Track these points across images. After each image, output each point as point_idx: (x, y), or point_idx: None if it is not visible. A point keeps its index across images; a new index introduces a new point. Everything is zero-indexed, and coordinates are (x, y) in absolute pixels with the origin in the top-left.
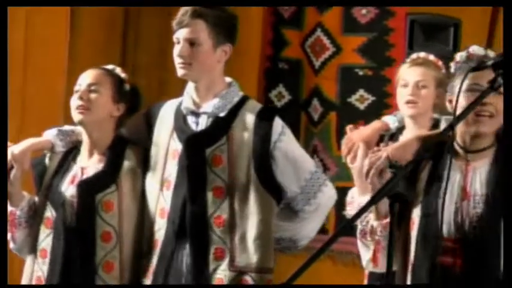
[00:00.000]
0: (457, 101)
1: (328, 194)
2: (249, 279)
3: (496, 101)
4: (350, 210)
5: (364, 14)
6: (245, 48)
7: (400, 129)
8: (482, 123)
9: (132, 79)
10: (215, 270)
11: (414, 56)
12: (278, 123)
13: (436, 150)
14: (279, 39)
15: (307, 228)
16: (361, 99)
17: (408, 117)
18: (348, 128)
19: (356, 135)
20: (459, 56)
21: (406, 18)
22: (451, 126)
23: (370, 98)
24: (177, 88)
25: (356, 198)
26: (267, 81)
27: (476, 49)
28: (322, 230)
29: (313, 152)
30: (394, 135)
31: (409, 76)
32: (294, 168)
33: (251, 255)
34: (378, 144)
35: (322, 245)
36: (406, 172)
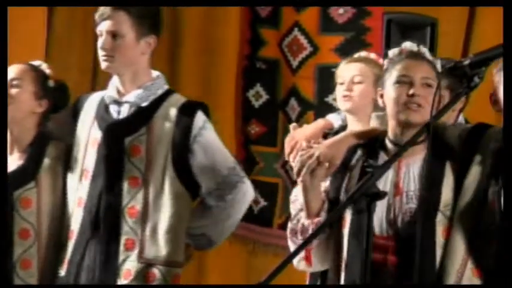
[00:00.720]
0: (434, 100)
1: (244, 190)
2: (156, 272)
3: (424, 93)
4: (293, 209)
5: (341, 13)
6: (223, 48)
7: (344, 127)
8: (411, 115)
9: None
10: (124, 261)
11: (355, 54)
12: (200, 118)
13: (369, 147)
14: (257, 39)
15: (222, 225)
16: None
17: (347, 113)
18: (292, 126)
19: (299, 133)
20: (391, 52)
21: (382, 18)
22: (428, 126)
23: None
24: None
25: (299, 197)
26: (245, 80)
27: (408, 45)
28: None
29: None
30: (337, 133)
31: (345, 72)
32: (211, 164)
33: (161, 248)
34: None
35: (301, 244)
36: (385, 171)
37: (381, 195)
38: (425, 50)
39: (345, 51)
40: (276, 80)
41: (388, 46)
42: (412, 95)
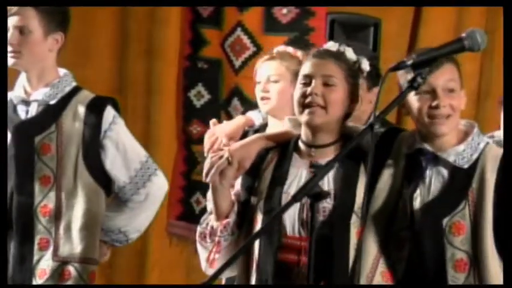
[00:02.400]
0: (377, 101)
1: (158, 184)
2: (71, 270)
3: (325, 92)
4: (209, 206)
5: (284, 13)
6: (164, 48)
7: (265, 125)
8: (312, 114)
9: None
10: (39, 260)
11: (273, 50)
12: (110, 113)
13: (281, 149)
14: (198, 39)
15: (137, 220)
16: None
17: (267, 114)
18: (212, 122)
19: (219, 129)
20: (314, 48)
21: (326, 18)
22: (371, 126)
23: None
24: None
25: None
26: (186, 80)
27: (331, 45)
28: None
29: None
30: (258, 131)
31: (261, 72)
32: (123, 158)
33: (75, 245)
34: (243, 138)
35: (248, 240)
36: (328, 171)
37: (323, 195)
38: (347, 50)
39: None
40: (218, 80)
41: None
42: (310, 94)
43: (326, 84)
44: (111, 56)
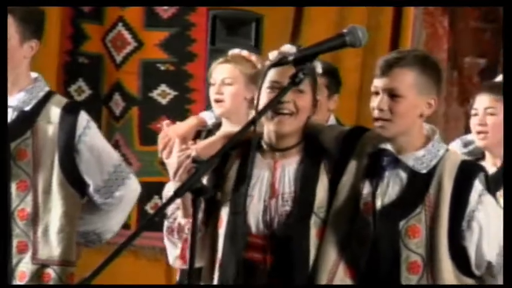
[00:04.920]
0: (258, 98)
1: (132, 187)
2: (51, 272)
3: (296, 99)
4: (169, 210)
5: (165, 9)
6: (44, 43)
7: (218, 125)
8: (281, 122)
9: None
10: (18, 263)
11: (229, 52)
12: (83, 118)
13: (244, 147)
14: (79, 34)
15: (111, 222)
16: (163, 94)
17: (221, 116)
18: (165, 123)
19: (172, 130)
20: (271, 54)
21: (207, 13)
22: (253, 122)
23: (172, 93)
24: None
25: (172, 193)
26: (67, 75)
27: (288, 48)
28: (124, 225)
29: (115, 147)
30: (211, 131)
31: (216, 74)
32: (97, 162)
33: (53, 248)
34: (194, 140)
35: (126, 240)
36: (209, 167)
37: (204, 190)
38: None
39: (170, 46)
40: (99, 75)
41: (214, 42)
42: (283, 102)
43: (297, 91)
44: None
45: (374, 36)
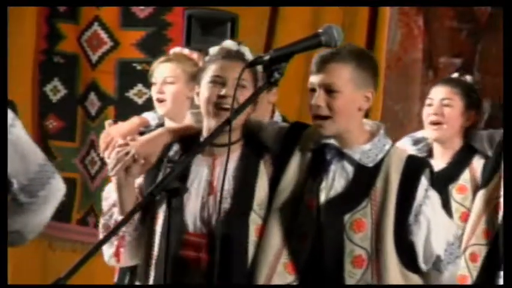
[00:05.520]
0: (234, 95)
1: (56, 186)
2: None
3: (237, 94)
4: (105, 206)
5: (142, 8)
6: (19, 42)
7: (161, 125)
8: (222, 118)
9: None
10: None
11: (171, 51)
12: (9, 115)
13: (185, 144)
14: (54, 33)
15: (35, 221)
16: (139, 93)
17: (164, 116)
18: (107, 123)
19: (114, 130)
20: (212, 50)
21: (183, 13)
22: (228, 121)
23: (148, 93)
24: None
25: (112, 194)
26: (42, 75)
27: (229, 43)
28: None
29: (90, 147)
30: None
31: (157, 74)
32: (21, 161)
33: None
34: None
35: (101, 239)
36: (184, 166)
37: (180, 190)
38: (245, 50)
39: (146, 46)
40: (75, 74)
41: (189, 41)
42: (224, 96)
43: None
44: None
45: (349, 36)
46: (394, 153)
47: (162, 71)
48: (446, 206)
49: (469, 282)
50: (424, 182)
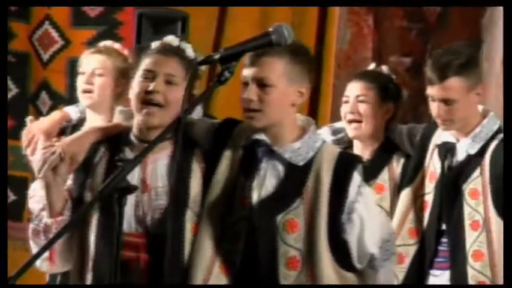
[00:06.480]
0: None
1: None
2: None
3: (166, 91)
4: (32, 204)
5: (93, 7)
6: None
7: (83, 119)
8: (150, 114)
9: None
10: None
11: (100, 44)
12: None
13: (113, 142)
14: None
15: None
16: None
17: (87, 108)
18: (29, 119)
19: (35, 126)
20: (153, 44)
21: (134, 12)
22: (179, 119)
23: None
24: None
25: (38, 192)
26: None
27: (170, 38)
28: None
29: None
30: (76, 127)
31: (86, 64)
32: None
33: None
34: (59, 135)
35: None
36: (134, 166)
37: (131, 189)
38: (186, 47)
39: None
40: (26, 73)
41: (140, 40)
42: (151, 92)
43: (168, 83)
44: None
45: (298, 35)
46: (325, 151)
47: (91, 62)
48: None
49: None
50: (356, 178)
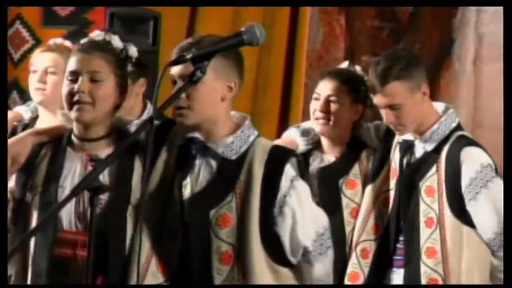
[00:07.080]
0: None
1: None
2: None
3: (92, 89)
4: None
5: (63, 7)
6: None
7: (35, 118)
8: (80, 110)
9: None
10: None
11: (50, 41)
12: None
13: (55, 143)
14: None
15: None
16: None
17: (39, 105)
18: None
19: None
20: (82, 40)
21: (105, 11)
22: (151, 119)
23: None
24: None
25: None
26: None
27: (95, 33)
28: None
29: None
30: (27, 126)
31: (39, 62)
32: None
33: None
34: (13, 135)
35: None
36: (107, 165)
37: (103, 188)
38: (113, 38)
39: None
40: None
41: None
42: (77, 92)
43: (93, 80)
44: None
45: (270, 34)
46: (258, 145)
47: (43, 60)
48: (337, 201)
49: (361, 279)
50: (289, 172)
